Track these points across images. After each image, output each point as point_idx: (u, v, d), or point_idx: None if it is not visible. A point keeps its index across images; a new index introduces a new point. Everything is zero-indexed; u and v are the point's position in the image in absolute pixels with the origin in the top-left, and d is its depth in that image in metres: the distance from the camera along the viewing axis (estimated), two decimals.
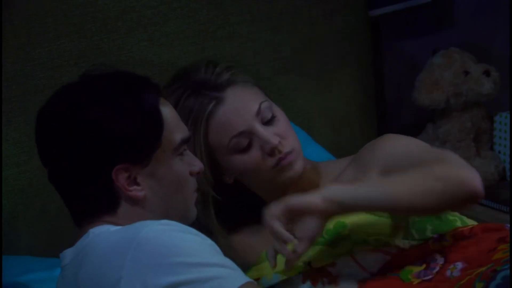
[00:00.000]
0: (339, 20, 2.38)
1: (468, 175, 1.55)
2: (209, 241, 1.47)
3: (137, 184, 1.54)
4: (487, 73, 2.52)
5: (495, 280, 1.43)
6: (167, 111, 1.59)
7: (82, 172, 1.53)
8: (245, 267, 1.73)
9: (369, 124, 2.49)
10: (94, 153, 1.51)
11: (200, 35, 2.17)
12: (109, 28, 2.05)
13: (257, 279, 1.72)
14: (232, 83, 1.77)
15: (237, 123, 1.74)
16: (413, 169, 1.59)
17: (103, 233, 1.50)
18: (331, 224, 1.68)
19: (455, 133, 2.56)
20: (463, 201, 1.56)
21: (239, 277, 1.41)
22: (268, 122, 1.76)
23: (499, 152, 2.61)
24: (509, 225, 1.67)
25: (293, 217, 1.54)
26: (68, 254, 1.55)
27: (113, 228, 1.51)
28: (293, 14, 2.31)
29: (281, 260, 1.64)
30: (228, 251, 1.68)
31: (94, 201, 1.54)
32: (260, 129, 1.75)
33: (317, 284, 1.67)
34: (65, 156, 1.53)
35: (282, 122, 1.79)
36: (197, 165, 1.64)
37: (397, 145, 1.74)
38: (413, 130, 2.67)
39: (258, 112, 1.75)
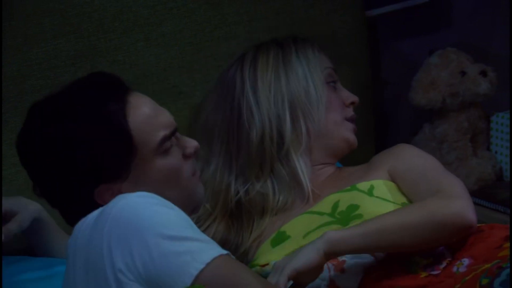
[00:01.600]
0: (336, 20, 2.38)
1: (460, 208, 1.62)
2: (183, 215, 1.46)
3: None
4: (483, 73, 2.52)
5: (500, 277, 1.44)
6: (138, 114, 1.56)
7: (65, 194, 1.55)
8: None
9: (366, 124, 2.49)
10: (72, 179, 1.53)
11: (197, 35, 2.17)
12: (106, 28, 2.05)
13: (266, 265, 1.75)
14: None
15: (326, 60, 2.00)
16: (419, 184, 1.72)
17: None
18: (344, 206, 1.73)
19: (452, 133, 2.56)
20: (455, 234, 1.63)
21: (211, 250, 1.40)
22: None
23: (496, 152, 2.61)
24: None
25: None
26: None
27: None
28: (290, 14, 2.31)
29: (289, 244, 1.72)
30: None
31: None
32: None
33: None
34: (45, 182, 1.57)
35: None
36: (190, 146, 1.62)
37: (411, 154, 1.82)
38: (410, 130, 2.68)
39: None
